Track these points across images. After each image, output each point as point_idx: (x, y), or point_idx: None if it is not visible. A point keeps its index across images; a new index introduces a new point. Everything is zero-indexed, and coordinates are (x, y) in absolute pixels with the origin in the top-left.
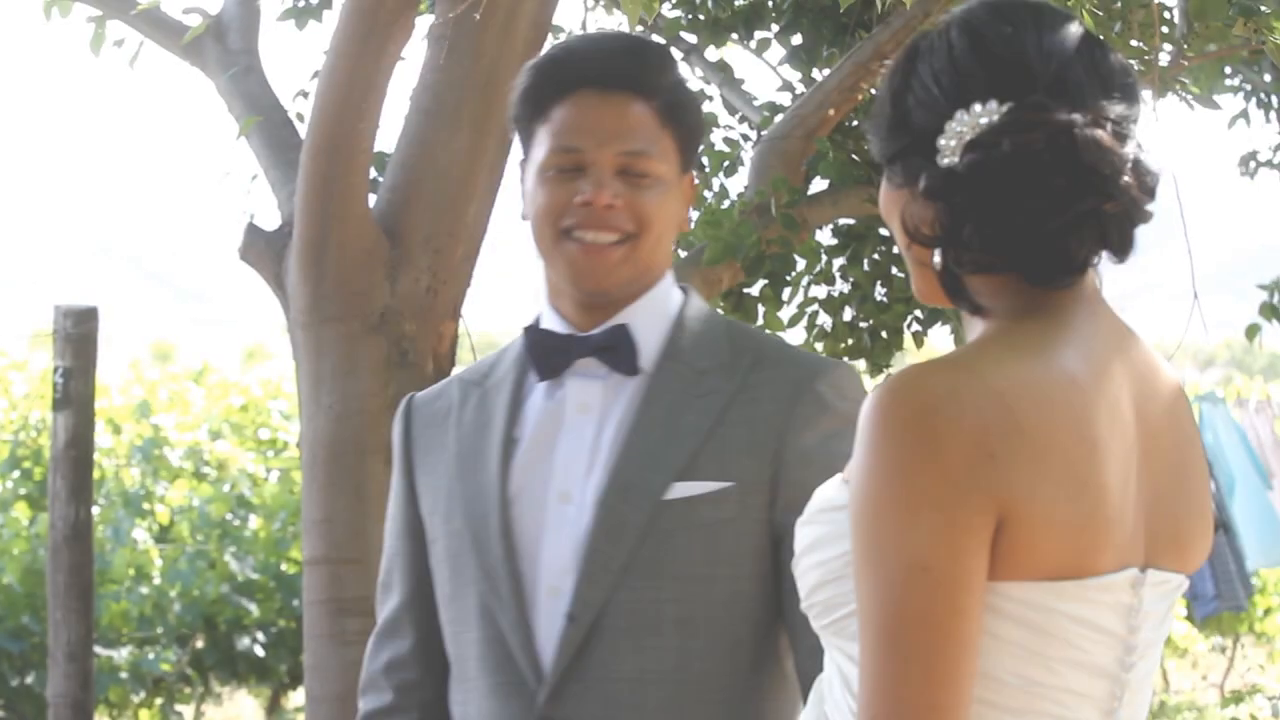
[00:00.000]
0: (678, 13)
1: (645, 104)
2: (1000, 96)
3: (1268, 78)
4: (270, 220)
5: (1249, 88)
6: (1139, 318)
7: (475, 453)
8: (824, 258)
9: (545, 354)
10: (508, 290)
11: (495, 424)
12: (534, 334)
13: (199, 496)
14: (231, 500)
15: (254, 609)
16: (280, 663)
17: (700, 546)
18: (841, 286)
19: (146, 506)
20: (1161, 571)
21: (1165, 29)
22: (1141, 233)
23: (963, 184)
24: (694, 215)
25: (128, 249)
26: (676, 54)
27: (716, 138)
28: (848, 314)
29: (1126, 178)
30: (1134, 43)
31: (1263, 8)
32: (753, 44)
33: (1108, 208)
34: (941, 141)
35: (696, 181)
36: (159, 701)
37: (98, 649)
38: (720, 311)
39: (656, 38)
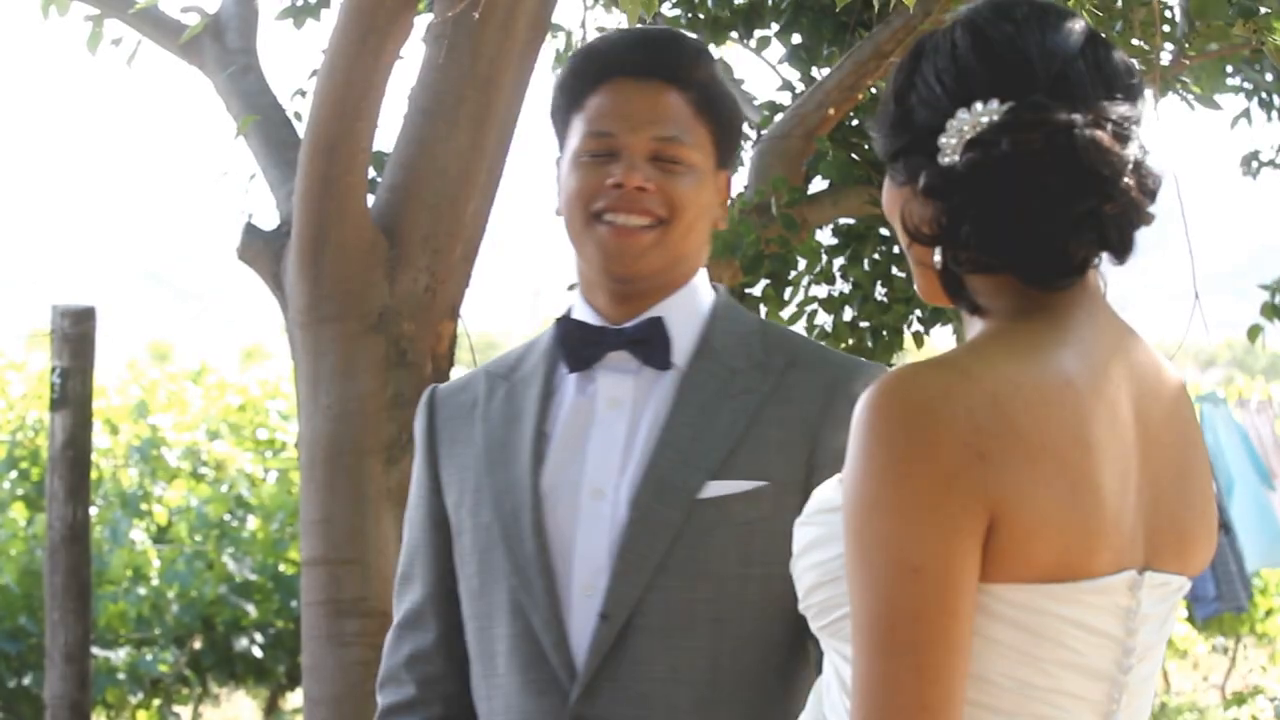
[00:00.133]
0: (677, 11)
1: (680, 93)
2: (1001, 96)
3: (1269, 77)
4: (268, 220)
5: (1250, 87)
6: (1140, 317)
7: (504, 446)
8: (824, 257)
9: (577, 345)
10: (507, 290)
11: (525, 418)
12: (566, 324)
13: (197, 497)
14: (229, 501)
15: (252, 610)
16: (278, 664)
17: (734, 546)
18: (842, 286)
19: (144, 507)
20: (1161, 574)
21: (1166, 28)
22: (1142, 232)
23: (961, 183)
24: None
25: (126, 249)
26: None
27: None
28: (848, 314)
29: (1127, 179)
30: (1135, 42)
31: (1262, 9)
32: (752, 43)
33: (1107, 209)
34: (942, 140)
35: None
36: (157, 702)
37: (95, 650)
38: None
39: None
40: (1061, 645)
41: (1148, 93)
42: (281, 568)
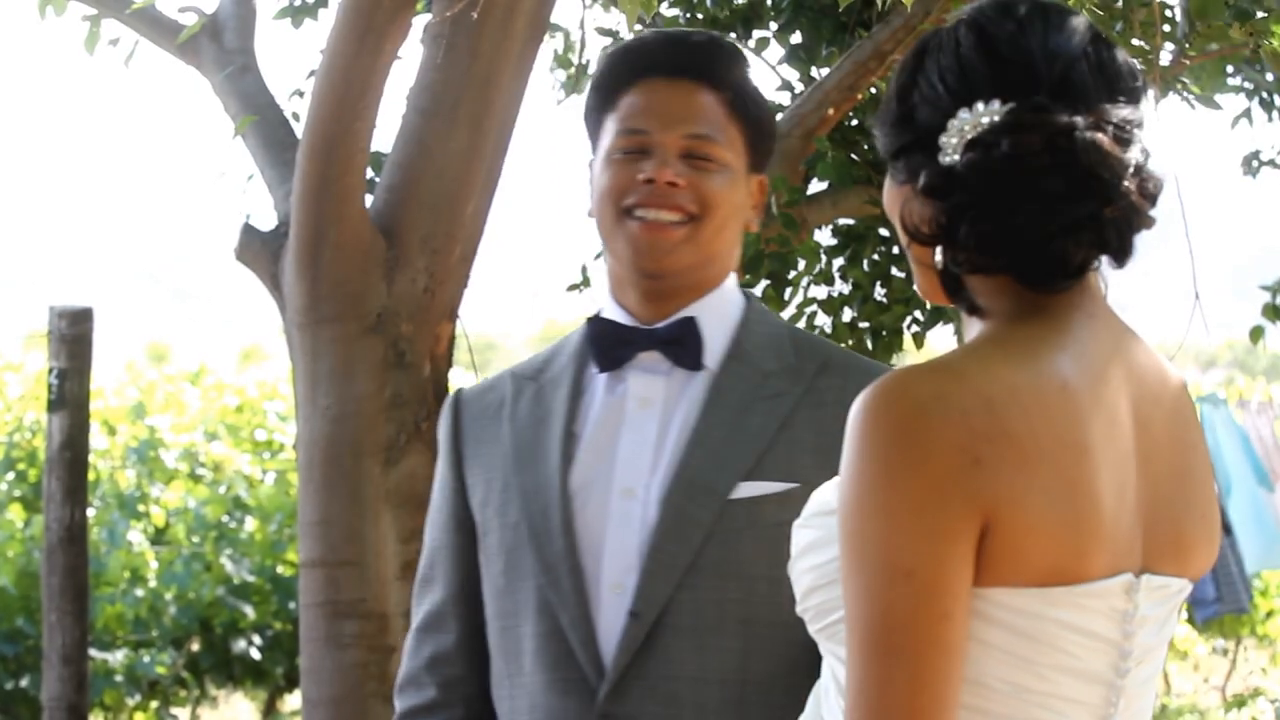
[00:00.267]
0: (676, 11)
1: (713, 94)
2: (1003, 96)
3: (1270, 77)
4: (266, 220)
5: (1251, 87)
6: (1140, 318)
7: (533, 446)
8: (823, 258)
9: (608, 345)
10: (506, 291)
11: (554, 418)
12: (597, 324)
13: (194, 498)
14: (227, 502)
15: (250, 611)
16: (276, 665)
17: (765, 547)
18: (841, 287)
19: (142, 508)
20: (1160, 576)
21: (1166, 28)
22: (1143, 233)
23: (961, 183)
24: None
25: (123, 249)
26: None
27: None
28: (847, 315)
29: (1127, 183)
30: (1135, 42)
31: (1259, 12)
32: (751, 43)
33: (1107, 212)
34: (943, 139)
35: None
36: (154, 705)
37: (93, 652)
38: None
39: None
40: (1057, 649)
41: (1150, 93)
42: (279, 569)
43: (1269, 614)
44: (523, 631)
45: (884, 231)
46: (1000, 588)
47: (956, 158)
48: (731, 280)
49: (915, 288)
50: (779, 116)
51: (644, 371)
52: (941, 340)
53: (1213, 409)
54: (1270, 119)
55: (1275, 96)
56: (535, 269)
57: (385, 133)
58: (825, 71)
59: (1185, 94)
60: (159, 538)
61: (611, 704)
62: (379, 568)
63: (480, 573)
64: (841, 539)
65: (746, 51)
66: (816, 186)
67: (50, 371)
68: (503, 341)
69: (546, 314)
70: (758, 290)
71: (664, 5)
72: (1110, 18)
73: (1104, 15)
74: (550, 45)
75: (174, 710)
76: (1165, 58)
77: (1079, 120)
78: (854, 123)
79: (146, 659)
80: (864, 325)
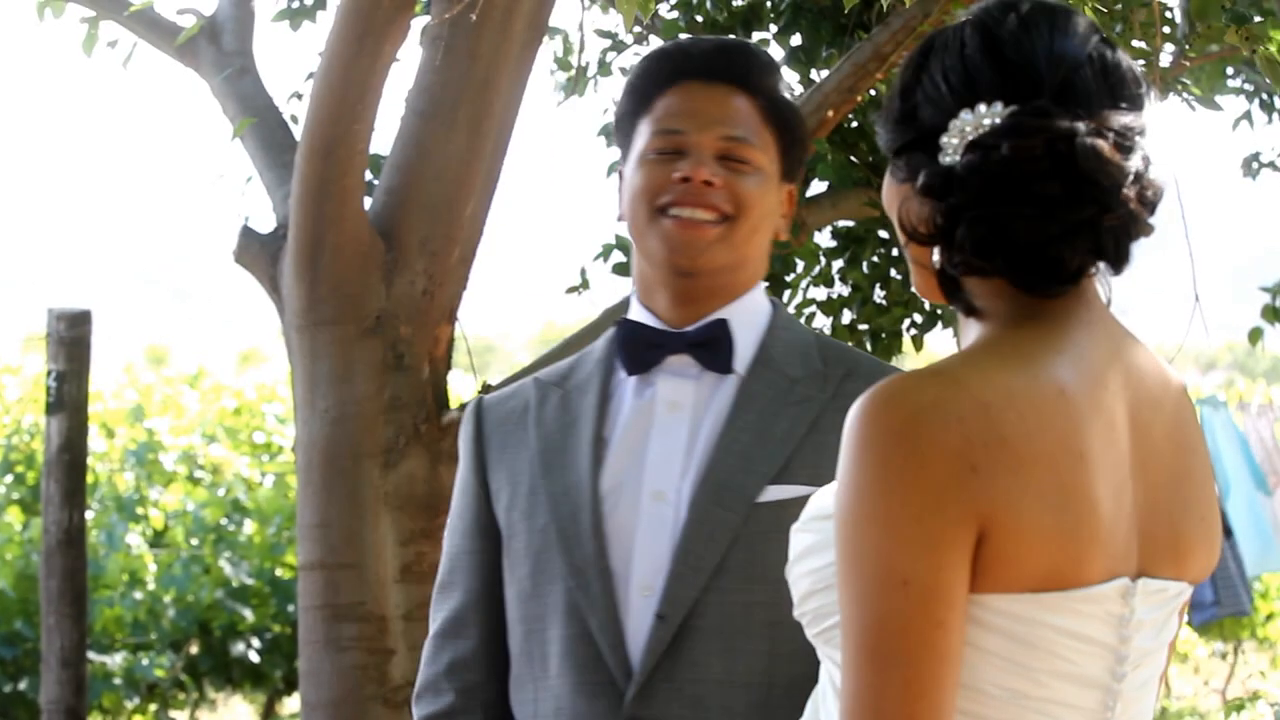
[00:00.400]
0: (675, 14)
1: (748, 99)
2: (1006, 99)
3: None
4: (265, 223)
5: (1251, 88)
6: (1140, 320)
7: (562, 451)
8: (823, 260)
9: (638, 348)
10: (505, 293)
11: (582, 423)
12: (626, 327)
13: (193, 501)
14: (226, 505)
15: (249, 614)
16: (275, 668)
17: None
18: (840, 289)
19: (140, 511)
20: (1158, 580)
21: (1167, 29)
22: (1143, 237)
23: (959, 184)
24: None
25: (122, 251)
26: None
27: None
28: (846, 316)
29: (1127, 190)
30: (1135, 43)
31: (1256, 17)
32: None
33: (1106, 219)
34: (944, 139)
35: None
36: (153, 707)
37: (91, 655)
38: None
39: (655, 38)
40: (1053, 654)
41: (1152, 97)
42: (278, 572)
43: (1269, 617)
44: (550, 635)
45: (883, 234)
46: (996, 594)
47: (957, 158)
48: (760, 288)
49: (913, 287)
50: None
51: (673, 375)
52: (941, 343)
53: (1212, 411)
54: (1270, 121)
55: (1275, 98)
56: (534, 271)
57: (384, 135)
58: (825, 73)
59: (1185, 95)
60: (157, 540)
61: (638, 706)
62: (378, 570)
63: (503, 578)
64: (837, 545)
65: None
66: (816, 188)
67: (49, 374)
68: (502, 343)
69: (546, 316)
70: None
71: (663, 7)
72: (1110, 19)
73: (1104, 15)
74: (549, 47)
75: (172, 713)
76: (1165, 59)
77: (1080, 126)
78: (854, 125)
79: (145, 662)
80: (863, 327)
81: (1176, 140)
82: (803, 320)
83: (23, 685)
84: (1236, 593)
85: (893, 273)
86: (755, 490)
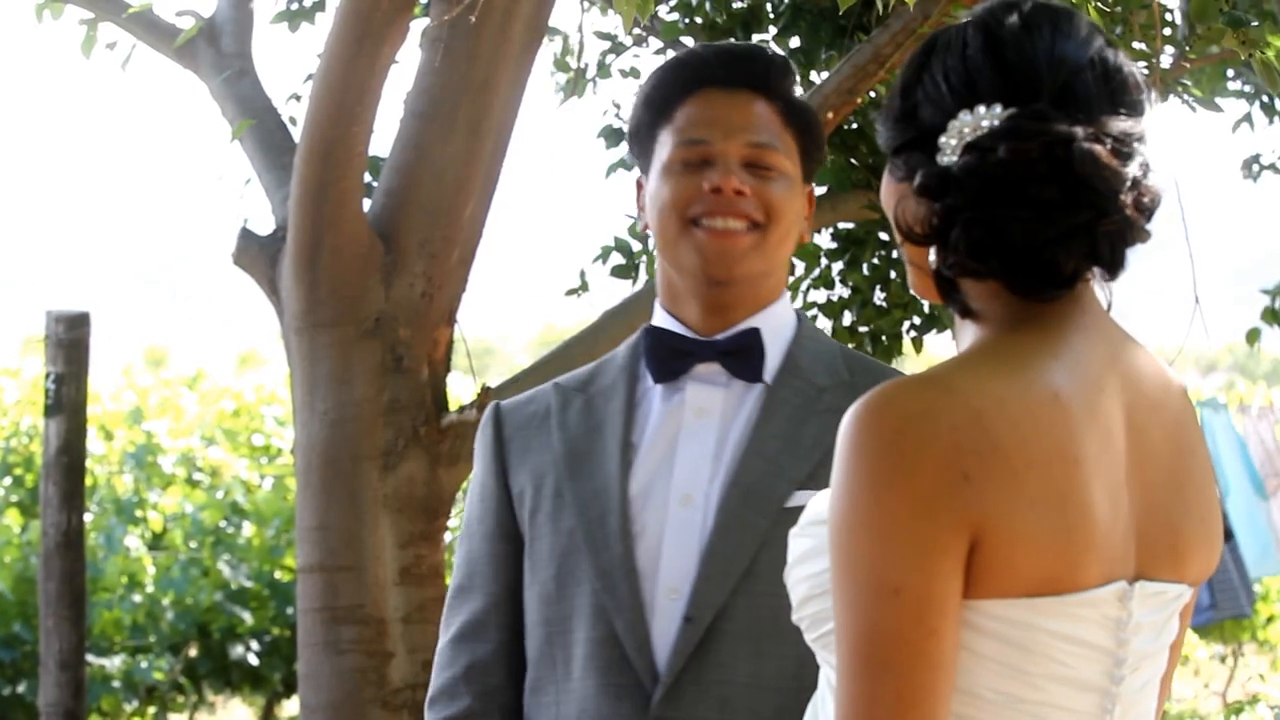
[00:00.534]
0: (675, 15)
1: (768, 103)
2: (1005, 101)
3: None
4: (264, 225)
5: (1252, 90)
6: (1140, 322)
7: (588, 454)
8: (823, 262)
9: (668, 356)
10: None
11: (609, 428)
12: (656, 335)
13: (192, 503)
14: (225, 507)
15: (248, 617)
16: (274, 671)
17: None
18: (840, 291)
19: (139, 514)
20: (1156, 583)
21: (1167, 31)
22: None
23: (956, 185)
24: None
25: (121, 252)
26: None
27: None
28: (846, 319)
29: (1123, 196)
30: (1135, 45)
31: (1254, 21)
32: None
33: (1102, 224)
34: (943, 139)
35: None
36: (152, 710)
37: (90, 657)
38: None
39: (654, 40)
40: (1049, 658)
41: (1153, 101)
42: (277, 574)
43: (1269, 619)
44: (574, 637)
45: (883, 236)
46: (991, 599)
47: (954, 159)
48: (786, 295)
49: (910, 287)
50: None
51: (701, 382)
52: (941, 345)
53: (1212, 414)
54: (1271, 123)
55: (1276, 100)
56: (534, 273)
57: (383, 137)
58: (824, 75)
59: (1186, 97)
60: (156, 543)
61: (665, 708)
62: (377, 572)
63: (523, 581)
64: (831, 553)
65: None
66: (816, 190)
67: (47, 376)
68: (501, 346)
69: (545, 318)
70: None
71: (662, 9)
72: (1110, 21)
73: (1105, 17)
74: (548, 49)
75: (171, 716)
76: (1166, 61)
77: (1078, 130)
78: (853, 126)
79: (144, 665)
80: (863, 329)
81: (1177, 142)
82: None
83: (21, 688)
84: (1235, 595)
85: (893, 275)
86: (784, 495)
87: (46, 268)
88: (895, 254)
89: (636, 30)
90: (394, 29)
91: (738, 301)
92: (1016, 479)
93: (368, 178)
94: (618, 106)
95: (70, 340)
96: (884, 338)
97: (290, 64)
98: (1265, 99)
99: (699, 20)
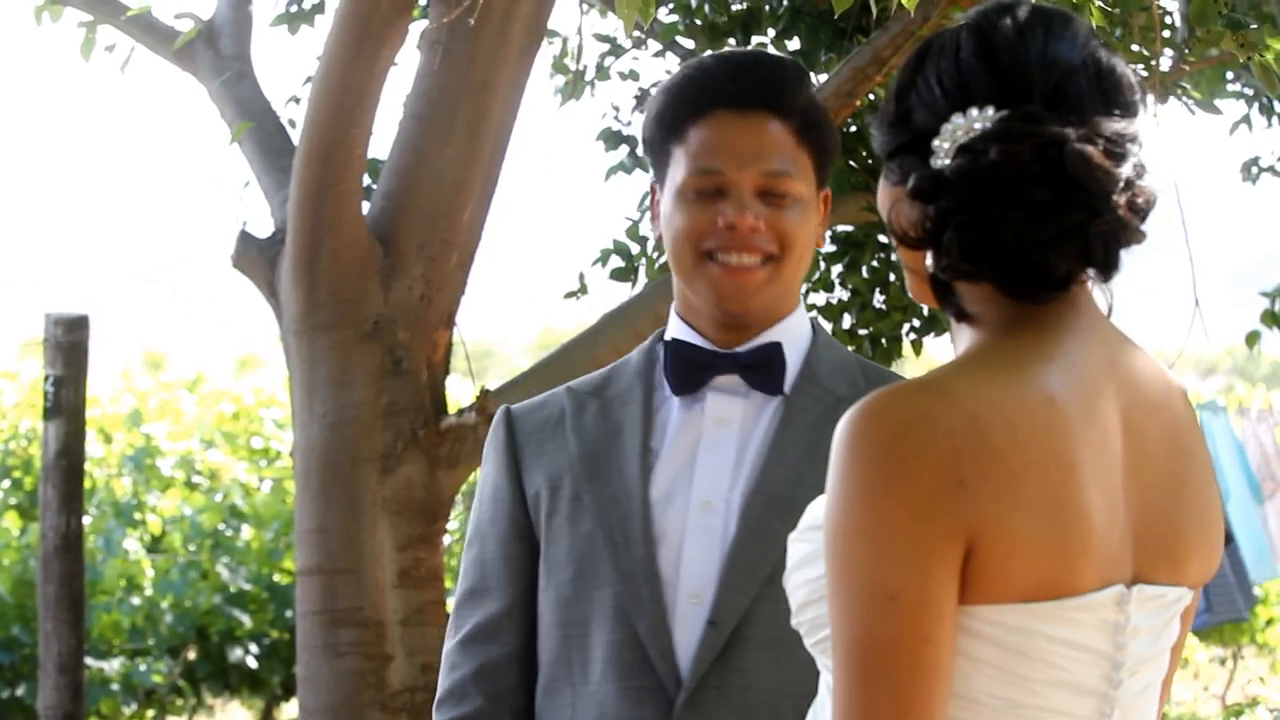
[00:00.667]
0: (674, 18)
1: (782, 123)
2: (997, 103)
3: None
4: (263, 227)
5: (1251, 92)
6: (1140, 325)
7: (607, 458)
8: (822, 264)
9: (687, 369)
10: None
11: (628, 433)
12: (676, 347)
13: (191, 506)
14: (224, 510)
15: (246, 620)
16: (273, 674)
17: None
18: (840, 293)
19: (138, 516)
20: (1154, 586)
21: (1166, 33)
22: (1141, 241)
23: (948, 187)
24: None
25: (121, 253)
26: (673, 59)
27: None
28: (846, 321)
29: (1116, 196)
30: (1135, 47)
31: (1253, 23)
32: (750, 49)
33: (1095, 225)
34: (936, 143)
35: None
36: (151, 713)
37: (89, 660)
38: None
39: (653, 42)
40: (1047, 663)
41: (1149, 99)
42: (276, 577)
43: (1269, 622)
44: (593, 640)
45: (882, 238)
46: (988, 604)
47: (947, 162)
48: (802, 306)
49: (908, 291)
50: None
51: (720, 393)
52: (941, 347)
53: (1211, 416)
54: (1270, 125)
55: (1275, 102)
56: (533, 276)
57: (382, 139)
58: (824, 78)
59: (1185, 99)
60: (155, 546)
61: (688, 713)
62: (376, 575)
63: (538, 584)
64: (827, 559)
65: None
66: None
67: (46, 379)
68: (500, 348)
69: (544, 321)
70: None
71: (662, 11)
72: (1110, 23)
73: (1105, 19)
74: (548, 51)
75: (170, 719)
76: (1165, 63)
77: (1070, 132)
78: (853, 129)
79: (143, 667)
80: (862, 332)
81: (1176, 145)
82: None
83: (20, 691)
84: (1232, 599)
85: (892, 277)
86: (806, 502)
87: (46, 269)
88: (894, 256)
89: (635, 32)
90: (393, 31)
91: (755, 322)
92: (1012, 483)
93: (367, 180)
94: (616, 109)
95: (69, 343)
96: (883, 340)
97: (289, 67)
98: (1264, 101)
99: (698, 22)
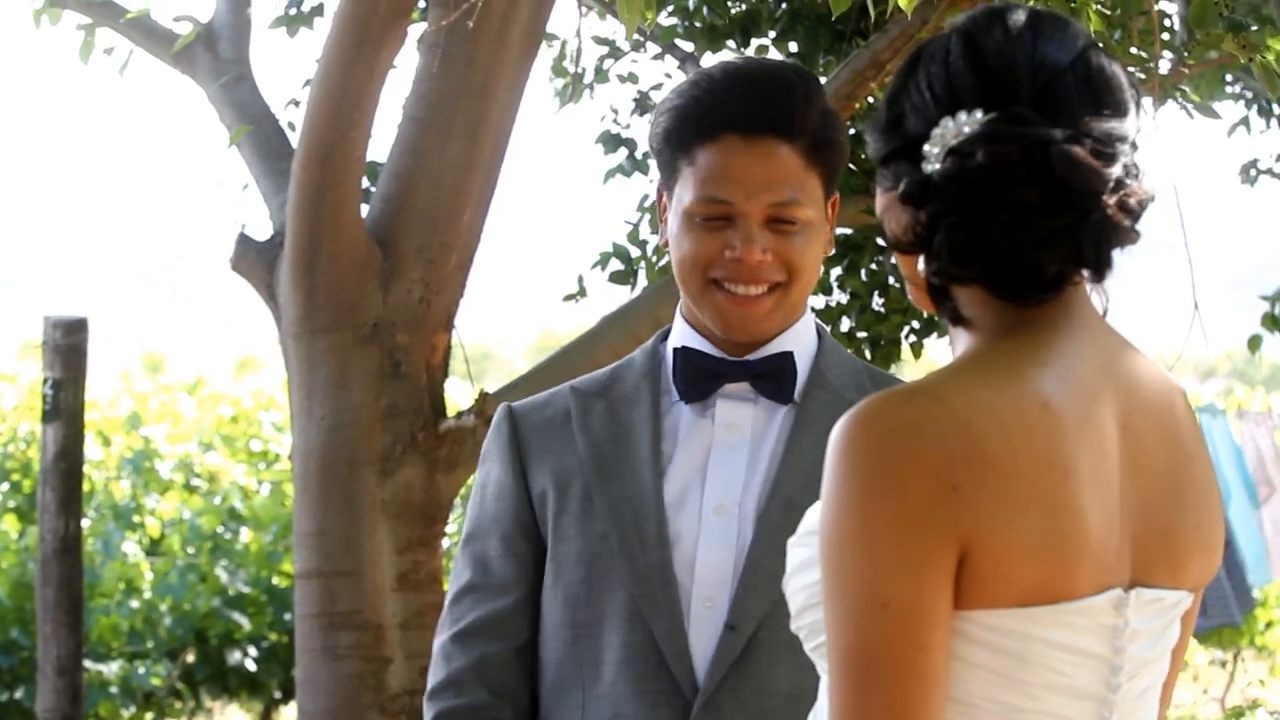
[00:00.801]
0: (674, 20)
1: (791, 147)
2: (985, 106)
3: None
4: (262, 230)
5: (1250, 95)
6: (1139, 327)
7: (617, 459)
8: (821, 267)
9: (697, 376)
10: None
11: (638, 434)
12: (686, 355)
13: (190, 509)
14: (222, 513)
15: (245, 623)
16: (272, 677)
17: None
18: (839, 296)
19: (137, 519)
20: (1153, 589)
21: (1166, 36)
22: (1140, 242)
23: (937, 191)
24: None
25: (121, 254)
26: (672, 61)
27: None
28: (845, 324)
29: (1106, 197)
30: (1134, 50)
31: (1253, 25)
32: (749, 51)
33: (1085, 226)
34: (927, 148)
35: None
36: (149, 716)
37: (87, 663)
38: None
39: (652, 45)
40: (1045, 667)
41: (1146, 101)
42: (275, 580)
43: (1268, 625)
44: (606, 641)
45: (881, 241)
46: (984, 609)
47: (937, 166)
48: (809, 313)
49: (908, 295)
50: None
51: (730, 399)
52: (940, 350)
53: (1211, 420)
54: (1268, 127)
55: (1274, 104)
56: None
57: (381, 142)
58: (823, 80)
59: (1184, 102)
60: (154, 549)
61: (704, 717)
62: (375, 578)
63: (542, 582)
64: (821, 566)
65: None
66: None
67: (45, 382)
68: (499, 351)
69: (543, 323)
70: None
71: (661, 14)
72: (1109, 26)
73: (1106, 22)
74: (547, 54)
75: None
76: (1164, 66)
77: (1057, 133)
78: (851, 132)
79: (141, 670)
80: (862, 335)
81: (1175, 147)
82: None
83: (19, 694)
84: (1226, 603)
85: (891, 280)
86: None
87: (46, 270)
88: (893, 260)
89: (636, 35)
90: (392, 34)
91: (763, 338)
92: (1007, 489)
93: (365, 183)
94: (615, 112)
95: (68, 346)
96: (882, 343)
97: (288, 69)
98: (1263, 103)
99: (697, 25)
